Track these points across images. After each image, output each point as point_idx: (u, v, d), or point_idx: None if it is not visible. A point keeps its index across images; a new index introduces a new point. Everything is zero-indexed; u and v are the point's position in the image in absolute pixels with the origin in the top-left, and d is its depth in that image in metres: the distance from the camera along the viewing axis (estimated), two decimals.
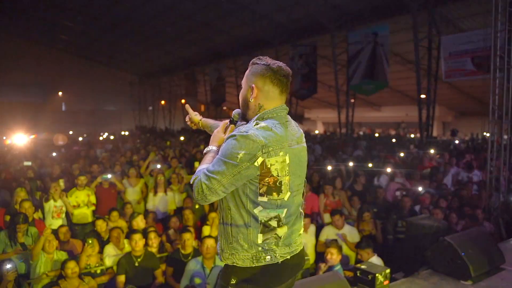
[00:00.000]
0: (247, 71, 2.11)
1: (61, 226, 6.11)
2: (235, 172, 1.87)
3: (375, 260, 4.86)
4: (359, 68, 17.97)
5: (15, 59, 35.37)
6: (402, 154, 12.08)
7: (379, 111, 33.80)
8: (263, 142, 1.87)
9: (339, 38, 19.21)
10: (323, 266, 4.56)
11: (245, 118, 2.13)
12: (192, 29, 24.34)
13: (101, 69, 41.31)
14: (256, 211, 1.94)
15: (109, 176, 7.89)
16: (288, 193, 1.97)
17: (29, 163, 10.30)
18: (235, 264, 1.99)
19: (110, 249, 5.44)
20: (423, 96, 15.99)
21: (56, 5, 24.03)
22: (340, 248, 4.75)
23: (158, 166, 9.00)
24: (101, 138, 23.58)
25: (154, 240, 5.37)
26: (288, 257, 2.01)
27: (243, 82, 2.12)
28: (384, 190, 8.09)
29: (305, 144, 2.15)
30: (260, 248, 1.95)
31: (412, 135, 22.90)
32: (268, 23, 20.69)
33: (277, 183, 1.93)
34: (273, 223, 1.95)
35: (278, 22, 20.73)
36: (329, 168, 9.88)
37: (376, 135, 26.08)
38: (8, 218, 6.26)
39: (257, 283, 1.97)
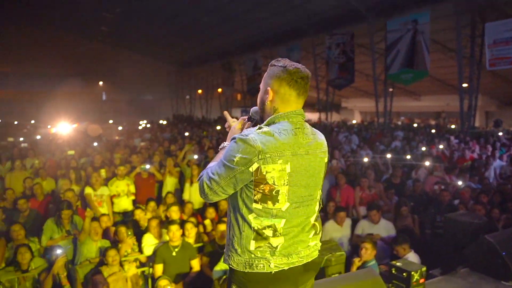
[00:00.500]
0: (266, 73, 2.04)
1: (103, 214, 6.35)
2: (232, 175, 1.85)
3: (412, 256, 4.80)
4: (397, 57, 17.54)
5: (57, 50, 36.52)
6: (441, 146, 11.75)
7: (419, 101, 32.90)
8: (260, 147, 1.82)
9: (377, 26, 18.76)
10: (357, 261, 4.55)
11: (262, 120, 2.06)
12: (228, 19, 24.38)
13: (139, 59, 42.08)
14: (250, 217, 1.90)
15: (148, 166, 8.10)
16: (287, 204, 1.89)
17: (72, 152, 10.70)
18: (232, 267, 1.96)
19: (148, 239, 5.61)
20: (465, 85, 15.47)
21: None
22: (375, 244, 4.72)
23: (195, 156, 9.14)
24: (140, 127, 24.14)
25: (191, 231, 5.49)
26: (285, 268, 1.92)
27: (261, 84, 2.06)
28: (422, 183, 7.93)
29: (321, 153, 2.02)
30: (252, 255, 1.90)
31: (453, 126, 22.18)
32: (304, 12, 20.45)
33: (273, 192, 1.87)
34: (268, 232, 1.89)
35: (314, 11, 20.45)
36: (366, 160, 9.75)
37: (415, 125, 25.43)
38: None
39: None
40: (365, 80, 27.89)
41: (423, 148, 12.30)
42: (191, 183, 7.97)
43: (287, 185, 1.88)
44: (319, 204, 2.08)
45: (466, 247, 4.44)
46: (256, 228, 1.89)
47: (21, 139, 14.50)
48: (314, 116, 33.85)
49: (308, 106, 42.05)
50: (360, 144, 14.59)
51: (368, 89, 29.67)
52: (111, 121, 29.74)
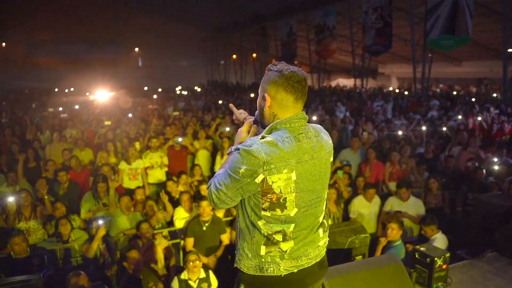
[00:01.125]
0: (263, 77, 1.99)
1: (138, 187, 6.58)
2: (238, 186, 1.86)
3: (439, 237, 4.78)
4: (438, 22, 16.77)
5: (94, 18, 36.95)
6: (479, 118, 11.35)
7: (459, 66, 31.59)
8: (264, 159, 1.81)
9: None
10: (382, 241, 4.57)
11: (262, 126, 2.03)
12: None
13: (174, 25, 42.10)
14: (260, 223, 1.92)
15: (180, 139, 8.26)
16: (295, 210, 1.91)
17: (108, 123, 10.96)
18: (242, 270, 2.00)
19: (180, 212, 5.82)
20: (510, 50, 14.72)
21: None
22: (401, 223, 4.71)
23: (227, 129, 9.23)
24: (176, 93, 24.36)
25: None
26: (295, 270, 1.95)
27: (259, 89, 2.02)
28: (456, 159, 7.75)
29: (326, 154, 2.02)
30: (263, 260, 1.94)
31: (495, 94, 21.25)
32: None
33: (281, 200, 1.88)
34: (278, 237, 1.93)
35: None
36: (400, 133, 9.54)
37: (454, 93, 24.55)
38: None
39: None
40: (403, 45, 26.96)
41: (459, 118, 11.93)
42: (222, 156, 8.09)
43: (294, 192, 1.89)
44: (326, 203, 2.10)
45: (496, 230, 4.37)
46: (266, 234, 1.93)
47: (60, 108, 14.96)
48: (349, 82, 33.25)
49: (344, 71, 41.24)
50: (395, 114, 14.31)
51: (406, 54, 28.72)
52: (146, 88, 30.13)
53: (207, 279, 4.52)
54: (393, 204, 6.02)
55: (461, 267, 3.88)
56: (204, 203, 5.33)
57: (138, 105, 16.57)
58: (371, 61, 27.61)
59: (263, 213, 1.91)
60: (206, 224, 5.35)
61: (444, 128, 10.66)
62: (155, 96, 21.48)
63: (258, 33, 34.74)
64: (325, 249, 2.12)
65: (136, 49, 46.45)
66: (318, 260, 2.05)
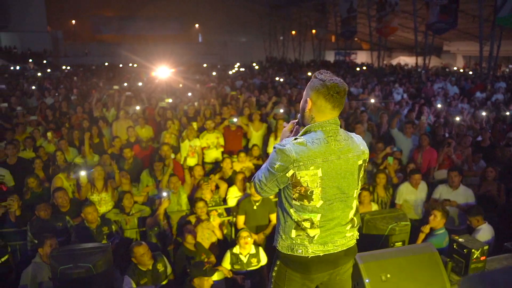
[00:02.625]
0: (308, 83, 2.26)
1: (196, 165, 7.02)
2: (274, 178, 2.19)
3: (485, 228, 4.81)
4: None
5: None
6: None
7: None
8: (294, 157, 2.11)
9: None
10: (424, 229, 4.69)
11: (302, 124, 2.32)
12: None
13: (233, 1, 42.30)
14: (291, 211, 2.24)
15: (235, 119, 8.60)
16: (321, 202, 2.19)
17: (169, 100, 11.47)
18: (278, 248, 2.35)
19: (233, 191, 6.20)
20: None
21: None
22: (445, 212, 4.77)
23: (281, 110, 9.45)
24: (232, 71, 24.74)
25: None
26: (321, 254, 2.25)
27: (304, 93, 2.29)
28: None
29: (353, 156, 2.25)
30: (293, 241, 2.26)
31: None
32: None
33: (308, 192, 2.17)
34: (306, 224, 2.22)
35: None
36: (458, 118, 9.28)
37: None
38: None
39: (292, 268, 2.31)
40: (471, 22, 25.63)
41: None
42: (276, 137, 8.35)
43: (319, 186, 2.17)
44: (357, 201, 2.36)
45: None
46: (296, 220, 2.25)
47: (125, 84, 15.76)
48: (411, 61, 32.09)
49: (406, 49, 39.81)
50: (456, 96, 13.81)
51: (473, 31, 27.25)
52: (205, 65, 30.75)
53: (256, 255, 4.88)
54: (442, 191, 6.02)
55: (502, 260, 3.94)
56: None
57: (197, 83, 17.09)
58: (435, 38, 26.46)
59: (293, 202, 2.22)
60: (257, 204, 5.69)
61: (508, 113, 10.26)
62: (214, 73, 21.95)
63: (317, 9, 34.25)
64: (354, 241, 2.38)
65: (197, 25, 47.22)
66: (345, 248, 2.33)
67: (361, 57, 42.92)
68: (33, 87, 14.75)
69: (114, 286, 3.53)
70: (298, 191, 2.19)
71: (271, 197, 5.89)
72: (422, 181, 6.25)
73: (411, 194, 6.09)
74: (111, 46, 39.42)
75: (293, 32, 41.69)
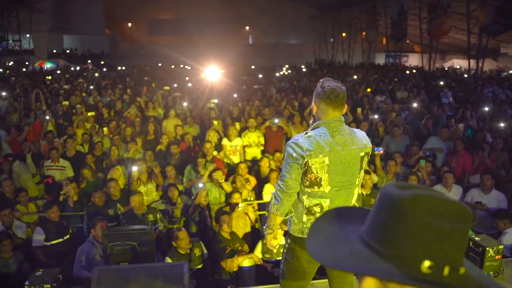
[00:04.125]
0: (314, 90, 2.68)
1: (241, 162, 7.48)
2: (295, 167, 2.55)
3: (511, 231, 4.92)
4: None
5: None
6: None
7: None
8: (306, 147, 2.52)
9: None
10: None
11: (314, 121, 2.72)
12: None
13: (283, 3, 42.69)
14: (304, 197, 2.61)
15: (276, 120, 8.98)
16: (329, 187, 2.56)
17: (215, 101, 12.04)
18: (290, 232, 2.72)
19: (268, 188, 6.59)
20: None
21: None
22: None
23: None
24: (280, 73, 25.11)
25: None
26: None
27: (313, 98, 2.71)
28: None
29: (356, 149, 2.60)
30: (304, 225, 2.63)
31: None
32: None
33: (317, 179, 2.55)
34: (316, 209, 2.59)
35: None
36: (502, 124, 9.13)
37: None
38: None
39: (300, 246, 2.65)
40: None
41: None
42: None
43: (327, 173, 2.55)
44: (359, 188, 2.73)
45: None
46: (307, 206, 2.62)
47: (175, 85, 16.55)
48: (465, 64, 31.09)
49: (460, 51, 38.57)
50: (507, 101, 13.45)
51: None
52: (253, 67, 31.30)
53: None
54: (474, 195, 6.11)
55: None
56: None
57: (243, 84, 17.62)
58: (490, 41, 25.56)
59: (306, 189, 2.60)
60: None
61: None
62: (260, 76, 22.42)
63: (368, 11, 33.96)
64: None
65: (247, 27, 48.00)
66: None
67: (413, 60, 42.02)
68: (91, 87, 15.82)
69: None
70: (309, 179, 2.56)
71: None
72: (457, 185, 6.34)
73: None
74: (164, 47, 40.90)
75: (344, 34, 41.47)
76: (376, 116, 9.58)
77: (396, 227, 0.88)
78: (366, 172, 6.09)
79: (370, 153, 2.74)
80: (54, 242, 5.14)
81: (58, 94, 13.53)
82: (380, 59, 41.80)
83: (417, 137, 9.04)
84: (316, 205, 2.60)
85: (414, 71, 29.46)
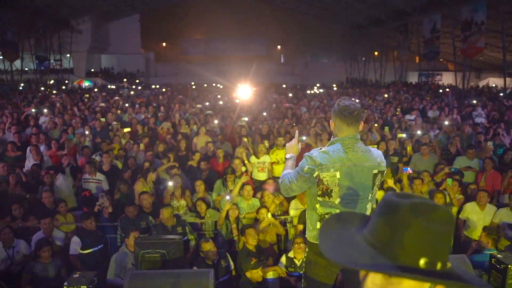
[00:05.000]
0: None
1: (269, 178, 7.66)
2: (304, 179, 2.79)
3: None
4: None
5: (239, 17, 39.79)
6: None
7: None
8: (319, 161, 2.73)
9: None
10: (473, 245, 4.89)
11: (332, 137, 2.95)
12: None
13: (315, 23, 43.11)
14: (317, 205, 2.82)
15: (304, 138, 9.13)
16: (339, 199, 2.75)
17: (245, 119, 12.31)
18: (307, 238, 2.90)
19: (295, 204, 6.73)
20: None
21: None
22: (494, 235, 4.91)
23: None
24: (310, 92, 25.28)
25: None
26: None
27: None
28: None
29: (368, 166, 2.77)
30: (318, 232, 2.69)
31: None
32: None
33: (328, 191, 2.75)
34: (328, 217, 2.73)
35: None
36: None
37: None
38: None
39: (318, 254, 2.79)
40: None
41: None
42: None
43: (337, 186, 2.75)
44: (373, 203, 2.86)
45: None
46: (320, 213, 2.83)
47: (207, 103, 16.98)
48: (500, 82, 30.42)
49: (497, 69, 37.72)
50: None
51: None
52: (284, 86, 31.62)
53: None
54: (502, 216, 6.07)
55: None
56: None
57: (274, 102, 17.89)
58: None
59: (318, 198, 2.80)
60: None
61: None
62: (290, 95, 22.65)
63: (399, 29, 33.88)
64: None
65: (279, 46, 48.63)
66: None
67: (447, 78, 41.39)
68: (126, 105, 16.44)
69: None
70: (321, 189, 2.77)
71: None
72: (491, 205, 6.30)
73: (473, 214, 6.17)
74: (197, 66, 41.96)
75: (376, 53, 41.41)
76: (404, 135, 9.60)
77: (398, 230, 1.07)
78: (390, 189, 6.21)
79: (385, 172, 2.91)
80: (89, 250, 5.44)
81: (96, 112, 14.13)
82: (413, 78, 41.39)
83: (446, 156, 9.02)
84: (327, 213, 2.78)
85: (447, 89, 29.04)
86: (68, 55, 35.78)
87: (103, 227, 6.02)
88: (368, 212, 2.83)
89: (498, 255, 3.96)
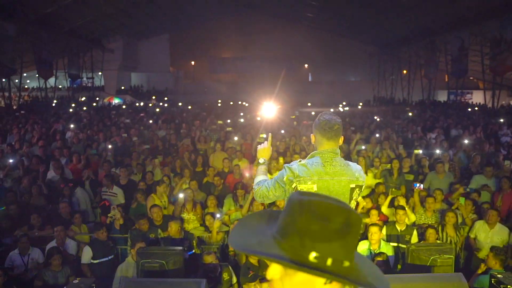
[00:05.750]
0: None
1: None
2: (282, 189, 2.86)
3: None
4: None
5: (266, 35, 40.33)
6: None
7: None
8: (297, 173, 2.77)
9: None
10: (482, 266, 4.80)
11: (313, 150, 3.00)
12: None
13: (342, 41, 43.25)
14: None
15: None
16: None
17: (263, 136, 12.43)
18: None
19: None
20: None
21: None
22: (501, 256, 4.81)
23: (363, 147, 9.84)
24: (333, 110, 25.23)
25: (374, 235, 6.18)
26: None
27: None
28: None
29: (345, 180, 2.79)
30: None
31: None
32: None
33: None
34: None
35: None
36: None
37: None
38: None
39: None
40: None
41: None
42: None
43: None
44: None
45: None
46: None
47: (228, 121, 17.22)
48: None
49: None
50: None
51: None
52: (309, 104, 31.65)
53: None
54: None
55: None
56: None
57: (295, 120, 17.98)
58: None
59: None
60: None
61: None
62: (313, 113, 22.66)
63: (427, 47, 33.54)
64: None
65: (306, 65, 48.84)
66: None
67: (477, 97, 40.49)
68: (150, 121, 16.85)
69: None
70: None
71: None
72: (502, 224, 6.18)
73: (481, 232, 6.06)
74: (224, 84, 42.57)
75: (405, 72, 41.04)
76: (421, 151, 9.52)
77: (292, 224, 1.16)
78: (401, 207, 6.17)
79: (363, 186, 2.93)
80: (100, 260, 5.62)
81: (120, 127, 14.55)
82: (442, 96, 40.64)
83: (465, 174, 8.90)
84: None
85: (476, 108, 28.45)
86: (99, 73, 36.97)
87: (115, 239, 6.21)
88: None
89: (499, 275, 3.91)
